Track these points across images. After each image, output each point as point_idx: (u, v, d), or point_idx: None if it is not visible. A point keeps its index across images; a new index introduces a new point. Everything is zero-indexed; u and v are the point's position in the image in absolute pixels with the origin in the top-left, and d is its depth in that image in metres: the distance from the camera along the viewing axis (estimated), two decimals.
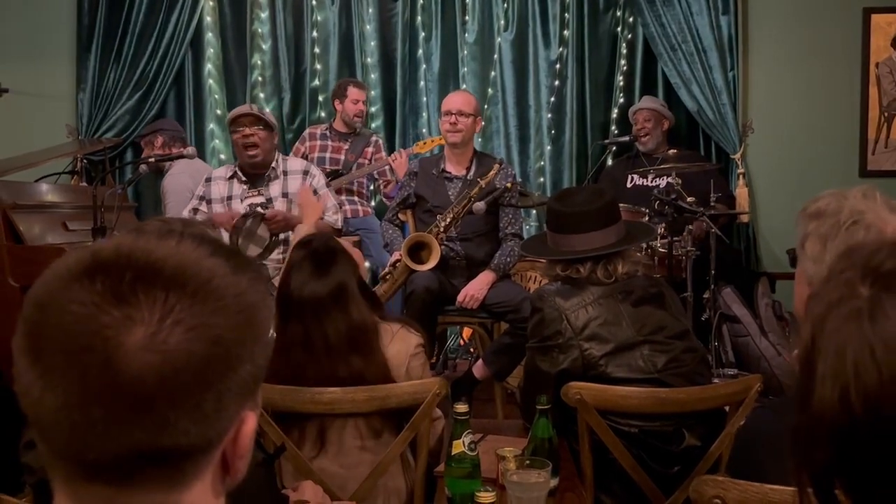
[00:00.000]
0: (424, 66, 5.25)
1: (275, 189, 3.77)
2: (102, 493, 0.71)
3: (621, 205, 2.67)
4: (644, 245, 3.78)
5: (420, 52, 5.25)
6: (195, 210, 3.81)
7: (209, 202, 3.81)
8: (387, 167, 4.69)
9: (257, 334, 0.75)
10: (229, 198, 3.78)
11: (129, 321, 0.68)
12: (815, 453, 0.73)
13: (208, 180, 3.86)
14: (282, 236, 3.71)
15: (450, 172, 3.88)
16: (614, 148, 5.00)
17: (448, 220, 3.69)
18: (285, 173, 3.81)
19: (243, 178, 3.78)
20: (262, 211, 3.62)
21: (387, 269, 3.79)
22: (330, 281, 2.17)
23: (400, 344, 2.25)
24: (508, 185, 3.77)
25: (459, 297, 3.69)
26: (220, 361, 0.71)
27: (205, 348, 0.70)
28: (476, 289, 3.68)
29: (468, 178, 3.83)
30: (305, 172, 3.84)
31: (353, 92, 4.79)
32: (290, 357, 2.15)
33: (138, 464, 0.70)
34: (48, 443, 0.71)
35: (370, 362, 2.17)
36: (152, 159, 4.09)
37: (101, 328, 0.68)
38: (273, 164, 3.78)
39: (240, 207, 3.71)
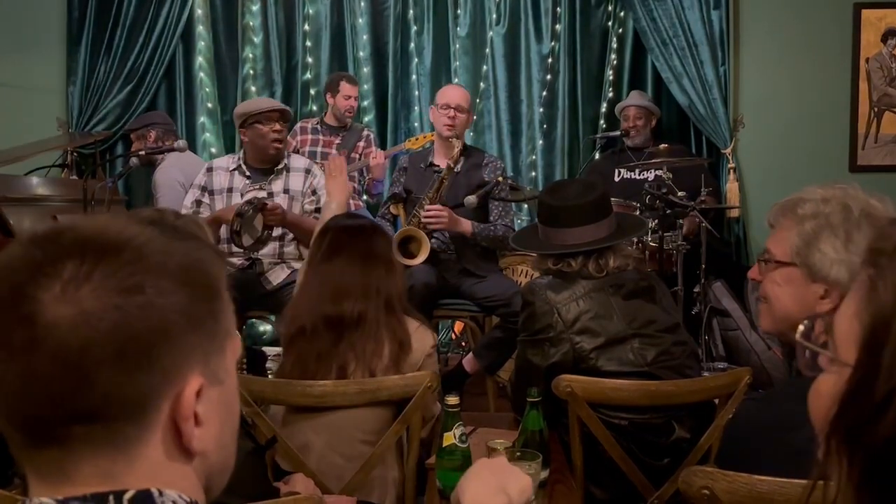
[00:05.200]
0: (416, 59, 5.24)
1: (277, 185, 3.77)
2: (49, 457, 0.72)
3: (612, 199, 2.68)
4: (635, 239, 3.79)
5: (412, 45, 5.24)
6: (198, 202, 3.77)
7: (211, 193, 3.79)
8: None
9: (200, 297, 0.76)
10: (230, 189, 3.76)
11: (46, 276, 0.70)
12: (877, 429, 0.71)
13: (210, 170, 3.83)
14: (277, 231, 3.71)
15: (437, 166, 3.87)
16: (603, 142, 5.01)
17: (426, 207, 3.69)
18: (288, 170, 3.81)
19: (247, 172, 3.77)
20: (264, 200, 3.61)
21: None
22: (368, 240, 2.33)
23: (418, 342, 2.28)
24: (499, 178, 3.77)
25: (430, 208, 3.66)
26: (141, 316, 0.71)
27: (122, 299, 0.70)
28: (448, 214, 3.65)
29: (456, 171, 3.83)
30: (307, 171, 3.83)
31: (345, 87, 4.78)
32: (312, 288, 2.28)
33: (69, 423, 0.70)
34: None
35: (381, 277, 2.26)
36: (143, 152, 4.07)
37: (19, 284, 0.70)
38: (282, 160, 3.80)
39: (240, 201, 3.69)
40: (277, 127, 3.69)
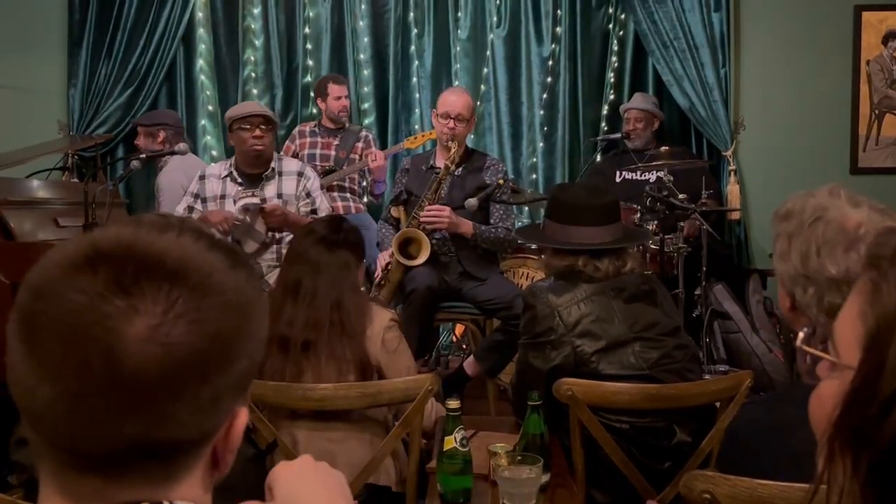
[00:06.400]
0: (417, 62, 5.25)
1: (270, 190, 3.76)
2: (92, 485, 0.71)
3: None
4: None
5: (412, 48, 5.24)
6: (190, 208, 3.78)
7: (203, 200, 3.79)
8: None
9: (253, 331, 0.76)
10: (223, 197, 3.76)
11: (133, 311, 0.68)
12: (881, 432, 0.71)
13: (202, 177, 3.83)
14: (276, 235, 3.71)
15: (439, 168, 3.87)
16: (604, 144, 5.01)
17: (425, 208, 3.69)
18: (280, 174, 3.80)
19: (238, 179, 3.77)
20: (260, 204, 3.61)
21: (380, 275, 3.78)
22: (339, 255, 2.35)
23: (376, 318, 2.34)
24: (500, 181, 3.76)
25: (430, 208, 3.66)
26: (219, 356, 0.71)
27: (205, 342, 0.70)
28: (448, 213, 3.64)
29: (457, 174, 3.83)
30: (300, 174, 3.83)
31: (333, 89, 4.77)
32: (275, 298, 2.29)
33: (132, 456, 0.70)
34: (41, 433, 0.70)
35: (351, 331, 2.27)
36: (144, 155, 4.07)
37: (102, 318, 0.68)
38: (271, 164, 3.78)
39: (232, 207, 3.69)
40: (258, 133, 3.67)
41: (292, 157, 4.50)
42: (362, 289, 2.45)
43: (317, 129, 4.83)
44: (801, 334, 0.84)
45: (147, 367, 0.67)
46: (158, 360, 0.68)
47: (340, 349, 2.24)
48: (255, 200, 3.69)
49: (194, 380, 0.70)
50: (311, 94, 5.24)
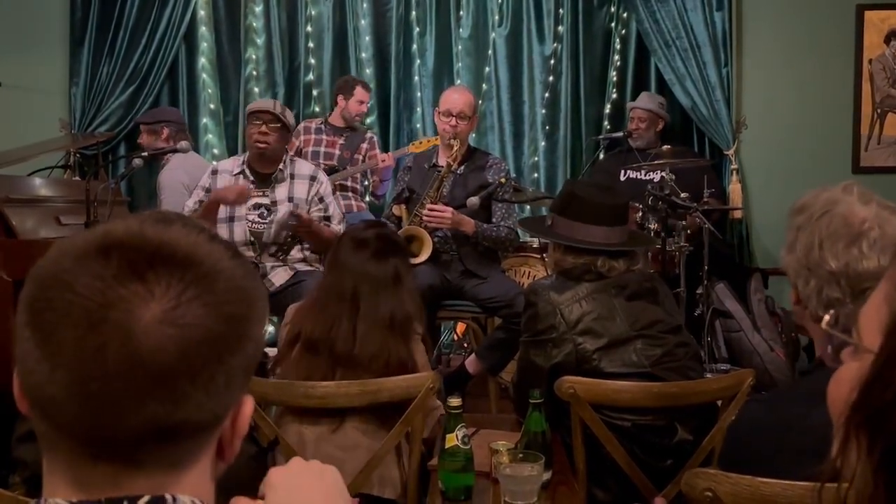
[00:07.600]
0: (419, 61, 5.25)
1: (281, 192, 3.74)
2: (106, 472, 0.71)
3: None
4: None
5: (414, 47, 5.25)
6: (201, 202, 3.77)
7: None
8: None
9: (258, 316, 0.78)
10: None
11: (149, 295, 0.70)
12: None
13: (214, 172, 3.81)
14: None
15: (441, 166, 3.86)
16: (607, 143, 5.02)
17: (426, 207, 3.69)
18: (292, 176, 3.78)
19: (251, 177, 3.76)
20: (295, 213, 3.60)
21: None
22: (389, 266, 2.32)
23: None
24: (502, 180, 3.76)
25: (432, 208, 3.65)
26: (232, 337, 0.73)
27: (220, 324, 0.72)
28: (451, 213, 3.63)
29: (459, 172, 3.82)
30: (313, 178, 3.80)
31: (360, 92, 4.79)
32: (326, 306, 2.27)
33: (149, 441, 0.71)
34: (55, 422, 0.71)
35: (399, 343, 2.26)
36: (145, 153, 4.07)
37: (118, 301, 0.69)
38: (281, 166, 3.75)
39: (243, 205, 3.69)
40: (263, 129, 3.67)
41: (295, 153, 4.49)
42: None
43: (322, 127, 4.83)
44: (826, 317, 0.84)
45: (164, 349, 0.69)
46: (175, 341, 0.69)
47: (388, 364, 2.23)
48: (266, 201, 3.68)
49: (210, 360, 0.71)
50: (314, 92, 5.26)
